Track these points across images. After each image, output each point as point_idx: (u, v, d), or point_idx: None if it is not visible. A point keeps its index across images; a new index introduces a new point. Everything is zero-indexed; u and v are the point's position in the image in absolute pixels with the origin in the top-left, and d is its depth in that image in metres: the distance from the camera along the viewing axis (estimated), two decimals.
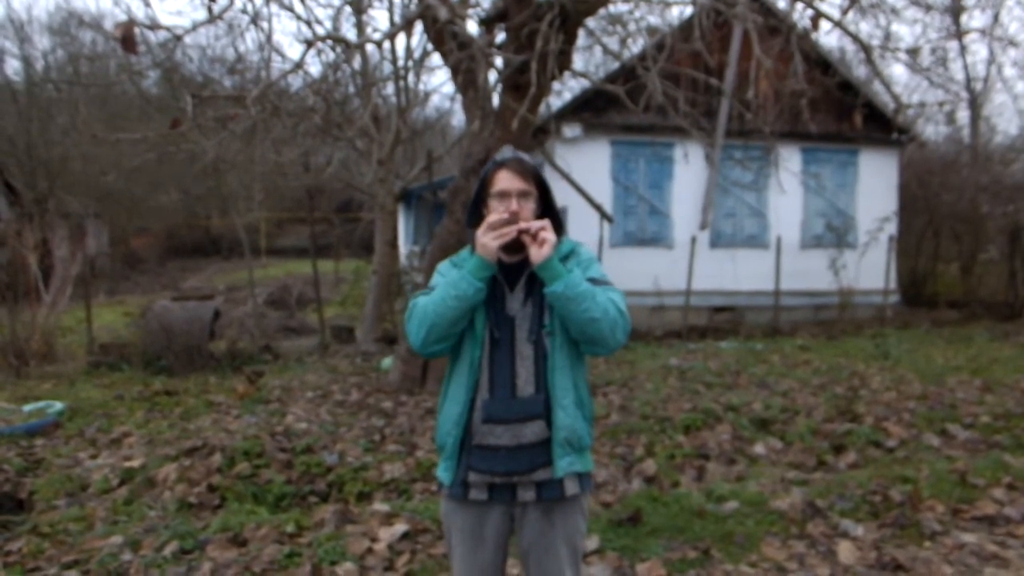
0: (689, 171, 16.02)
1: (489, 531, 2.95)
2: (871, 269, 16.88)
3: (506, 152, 3.01)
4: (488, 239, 2.76)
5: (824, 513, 5.43)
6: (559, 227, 2.97)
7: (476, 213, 3.02)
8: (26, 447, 7.80)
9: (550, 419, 2.86)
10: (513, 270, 2.94)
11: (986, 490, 5.76)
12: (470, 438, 2.89)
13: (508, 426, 2.84)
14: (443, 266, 3.03)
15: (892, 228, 17.39)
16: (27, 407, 9.07)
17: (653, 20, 11.71)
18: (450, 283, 2.80)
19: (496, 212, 2.85)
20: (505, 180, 2.90)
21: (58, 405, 9.10)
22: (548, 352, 2.88)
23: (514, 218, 2.79)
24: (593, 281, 2.85)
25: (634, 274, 14.99)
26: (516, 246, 2.81)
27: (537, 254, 2.74)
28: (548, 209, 3.00)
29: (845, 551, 4.85)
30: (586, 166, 14.94)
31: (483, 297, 2.82)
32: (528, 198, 2.90)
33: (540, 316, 2.89)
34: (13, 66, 27.98)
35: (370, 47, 14.10)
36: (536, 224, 2.77)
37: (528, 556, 2.98)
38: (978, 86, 23.82)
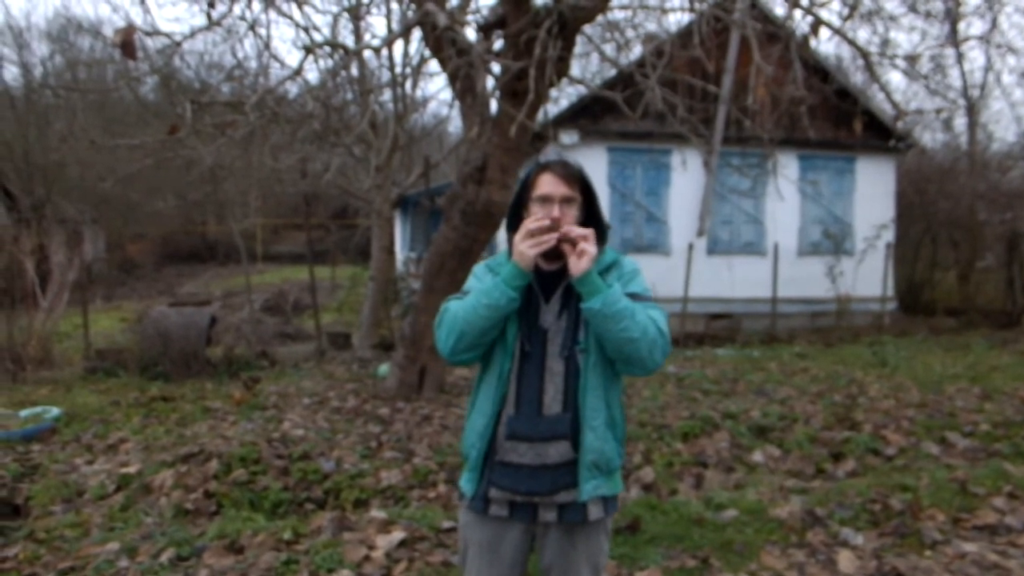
0: (686, 178, 16.04)
1: (507, 548, 2.85)
2: (868, 276, 16.89)
3: (551, 154, 2.85)
4: (525, 246, 2.62)
5: (824, 521, 5.41)
6: (602, 236, 2.84)
7: (516, 216, 2.88)
8: (22, 452, 7.78)
9: (577, 439, 2.74)
10: (550, 279, 2.81)
11: (986, 499, 5.75)
12: (494, 453, 2.79)
13: (532, 444, 2.74)
14: (479, 269, 2.90)
15: (889, 235, 17.40)
16: (24, 412, 9.05)
17: (651, 27, 11.70)
18: (483, 291, 2.67)
19: (536, 217, 2.69)
20: (548, 184, 2.73)
21: (54, 411, 9.07)
22: (580, 370, 2.75)
23: (555, 225, 2.63)
24: (634, 296, 2.70)
25: None
26: (555, 254, 2.66)
27: (575, 266, 2.59)
28: (592, 216, 2.84)
29: (845, 560, 4.83)
30: None
31: (516, 307, 2.69)
32: (572, 204, 2.75)
33: (575, 331, 2.76)
34: (11, 72, 28.00)
35: (368, 53, 14.09)
36: (578, 230, 2.62)
37: (549, 575, 2.90)
38: (975, 93, 23.82)
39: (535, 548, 2.93)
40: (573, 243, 2.61)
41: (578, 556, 2.84)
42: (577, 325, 2.76)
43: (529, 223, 2.67)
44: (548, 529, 2.84)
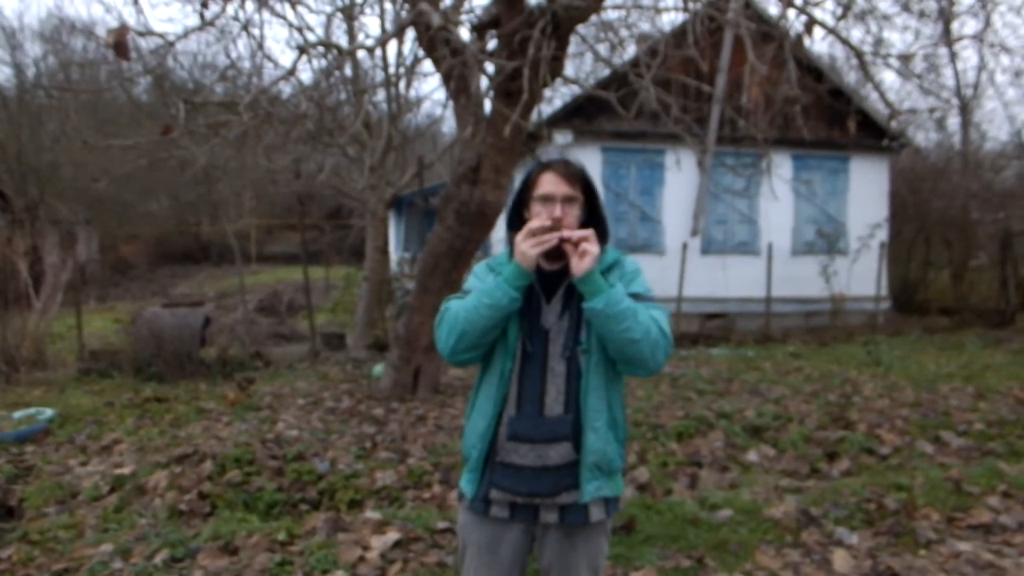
0: (680, 178, 16.01)
1: (506, 549, 2.84)
2: (862, 276, 16.88)
3: (552, 153, 2.84)
4: (527, 246, 2.60)
5: (818, 521, 5.42)
6: (604, 236, 2.82)
7: (516, 216, 2.88)
8: (16, 454, 7.76)
9: (579, 441, 2.73)
10: (551, 279, 2.79)
11: (981, 498, 5.76)
12: (495, 454, 2.78)
13: (533, 445, 2.72)
14: (479, 269, 2.89)
15: (883, 235, 17.42)
16: (17, 414, 9.02)
17: (645, 27, 11.70)
18: (484, 291, 2.65)
19: (538, 217, 2.69)
20: (550, 183, 2.72)
21: (48, 412, 9.04)
22: (582, 371, 2.73)
23: (556, 225, 2.63)
24: (636, 296, 2.69)
25: None
26: (557, 253, 2.65)
27: (577, 266, 2.58)
28: (593, 215, 2.84)
29: (840, 560, 4.83)
30: None
31: (518, 307, 2.67)
32: (574, 204, 2.74)
33: (576, 331, 2.74)
34: (4, 73, 27.94)
35: (362, 53, 14.07)
36: (579, 233, 2.61)
37: None
38: (969, 92, 23.86)
39: (534, 549, 2.92)
40: (575, 243, 2.60)
41: (578, 557, 2.83)
42: (579, 325, 2.74)
43: (532, 223, 2.65)
44: (548, 530, 2.83)
